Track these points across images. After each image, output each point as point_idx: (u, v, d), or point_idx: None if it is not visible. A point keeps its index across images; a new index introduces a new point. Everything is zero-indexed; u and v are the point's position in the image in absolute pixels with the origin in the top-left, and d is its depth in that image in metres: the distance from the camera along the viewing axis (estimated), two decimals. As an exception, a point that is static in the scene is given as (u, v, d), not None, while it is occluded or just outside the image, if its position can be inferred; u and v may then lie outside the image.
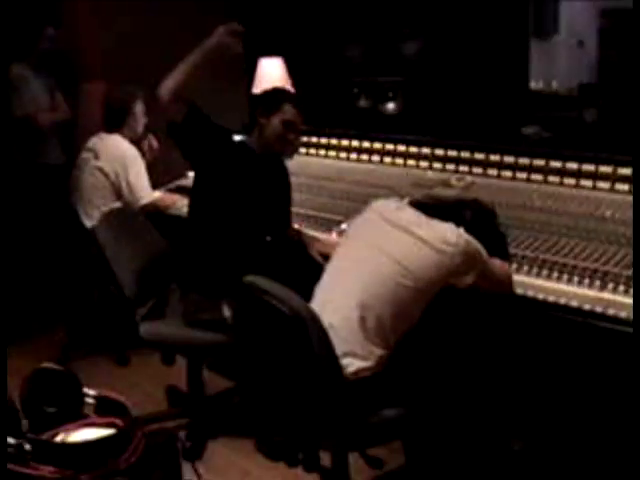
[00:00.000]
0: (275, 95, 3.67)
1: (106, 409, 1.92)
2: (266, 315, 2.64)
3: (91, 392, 1.93)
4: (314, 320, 2.55)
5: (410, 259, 2.70)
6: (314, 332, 2.52)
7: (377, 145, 4.54)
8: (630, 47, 5.25)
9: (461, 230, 2.72)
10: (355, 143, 4.67)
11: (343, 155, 4.74)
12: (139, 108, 4.79)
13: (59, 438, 1.81)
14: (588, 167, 3.63)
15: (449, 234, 2.69)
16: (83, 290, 4.87)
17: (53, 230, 4.86)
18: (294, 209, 4.03)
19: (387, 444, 3.20)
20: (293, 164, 4.71)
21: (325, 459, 3.17)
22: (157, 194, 4.73)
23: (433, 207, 2.89)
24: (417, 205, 2.89)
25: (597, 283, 2.89)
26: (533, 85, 6.12)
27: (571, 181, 3.70)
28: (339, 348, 2.68)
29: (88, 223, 4.61)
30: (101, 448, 1.78)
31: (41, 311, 5.47)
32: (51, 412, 1.87)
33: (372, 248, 2.81)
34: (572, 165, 3.71)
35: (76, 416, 1.88)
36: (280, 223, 3.70)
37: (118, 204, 4.65)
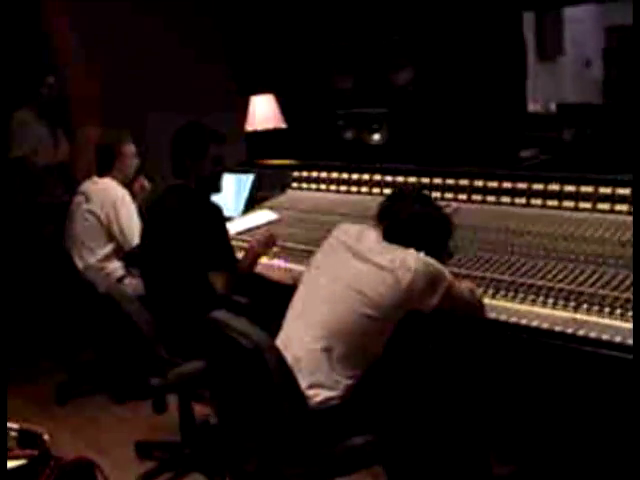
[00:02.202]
0: (200, 139, 3.74)
1: (28, 442, 1.92)
2: (228, 348, 2.62)
3: (14, 426, 1.92)
4: (273, 351, 2.52)
5: (372, 288, 2.68)
6: (273, 363, 2.49)
7: (365, 176, 4.51)
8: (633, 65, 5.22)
9: (421, 254, 2.70)
10: (344, 175, 4.64)
11: (333, 188, 4.73)
12: (129, 150, 4.83)
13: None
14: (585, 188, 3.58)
15: (409, 259, 2.67)
16: (81, 330, 4.88)
17: (52, 271, 4.90)
18: (286, 244, 4.12)
19: (372, 471, 3.14)
20: (284, 199, 4.73)
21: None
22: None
23: (392, 226, 2.86)
24: (384, 227, 2.85)
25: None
26: (531, 108, 6.10)
27: (554, 203, 3.63)
28: (306, 380, 2.67)
29: (80, 265, 4.64)
30: (13, 478, 1.78)
31: (39, 352, 5.49)
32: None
33: (334, 279, 2.80)
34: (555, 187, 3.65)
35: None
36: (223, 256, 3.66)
37: (111, 246, 4.67)
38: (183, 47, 6.03)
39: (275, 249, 4.02)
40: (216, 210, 3.65)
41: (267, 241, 3.86)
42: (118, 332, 3.57)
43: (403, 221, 2.85)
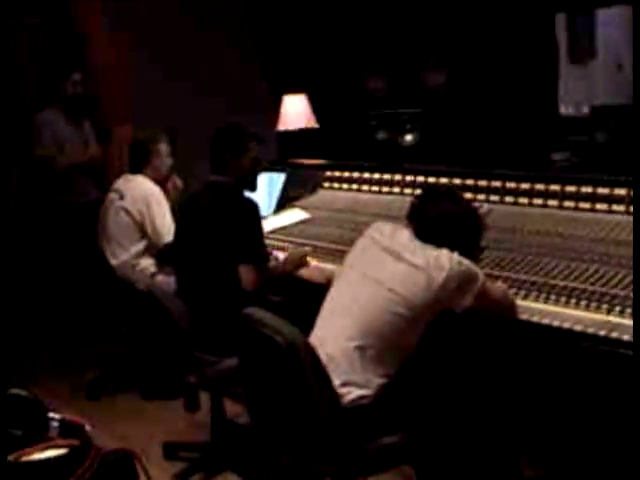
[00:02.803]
0: (240, 136, 3.83)
1: (69, 432, 1.95)
2: (262, 346, 2.64)
3: (56, 416, 1.95)
4: (307, 349, 2.55)
5: (405, 287, 2.69)
6: (307, 361, 2.51)
7: (397, 177, 4.52)
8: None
9: (455, 254, 2.71)
10: (376, 175, 4.65)
11: (364, 188, 4.74)
12: (163, 149, 4.87)
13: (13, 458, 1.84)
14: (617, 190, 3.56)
15: (442, 259, 2.68)
16: (112, 327, 4.93)
17: (84, 269, 4.95)
18: (318, 243, 4.14)
19: (403, 471, 3.15)
20: (316, 198, 4.75)
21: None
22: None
23: (422, 225, 2.87)
24: (413, 230, 2.87)
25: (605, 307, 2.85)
26: (563, 110, 6.07)
27: (586, 205, 3.63)
28: (339, 378, 2.68)
29: (114, 262, 4.69)
30: (54, 467, 1.80)
31: (71, 349, 5.55)
32: (17, 435, 1.90)
33: (367, 277, 2.81)
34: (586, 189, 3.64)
35: (41, 439, 1.91)
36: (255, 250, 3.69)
37: (143, 243, 4.71)
38: (216, 47, 6.07)
39: (307, 248, 4.03)
40: (252, 206, 3.71)
41: (299, 261, 3.89)
42: (156, 329, 3.60)
43: (433, 220, 2.86)
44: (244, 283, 3.59)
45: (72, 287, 5.37)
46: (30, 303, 5.80)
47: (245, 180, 3.83)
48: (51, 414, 1.93)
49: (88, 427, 1.92)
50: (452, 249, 2.74)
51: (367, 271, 2.83)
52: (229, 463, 3.92)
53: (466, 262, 2.72)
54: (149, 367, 4.77)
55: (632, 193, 3.36)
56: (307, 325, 2.90)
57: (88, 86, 5.82)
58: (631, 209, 3.47)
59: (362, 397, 2.68)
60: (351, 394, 2.67)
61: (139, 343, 4.60)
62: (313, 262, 3.88)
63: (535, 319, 2.86)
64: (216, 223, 3.64)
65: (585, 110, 6.12)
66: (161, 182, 4.89)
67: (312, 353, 2.56)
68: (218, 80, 6.02)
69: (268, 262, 3.76)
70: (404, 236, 2.86)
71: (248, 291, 3.58)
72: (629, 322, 2.71)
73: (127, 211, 4.71)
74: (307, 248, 3.99)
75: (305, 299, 3.31)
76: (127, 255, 4.73)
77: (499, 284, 2.95)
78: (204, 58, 6.01)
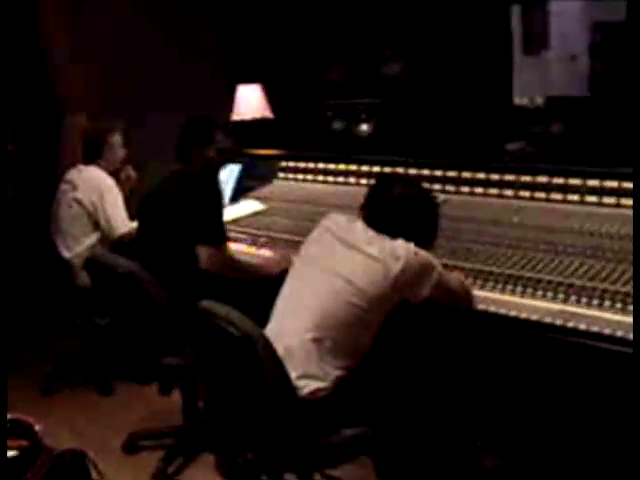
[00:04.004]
0: (205, 126, 3.83)
1: (18, 432, 1.90)
2: (218, 338, 2.60)
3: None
4: (263, 341, 2.51)
5: (362, 278, 2.67)
6: (263, 353, 2.48)
7: (353, 167, 4.49)
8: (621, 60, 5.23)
9: (411, 244, 2.69)
10: (331, 166, 4.63)
11: (320, 178, 4.71)
12: (117, 140, 4.82)
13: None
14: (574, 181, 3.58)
15: (399, 249, 2.66)
16: (66, 321, 4.86)
17: (32, 262, 4.87)
18: (272, 234, 4.12)
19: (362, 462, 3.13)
20: (271, 189, 4.72)
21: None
22: (134, 224, 4.70)
23: (376, 213, 2.85)
24: (368, 219, 2.84)
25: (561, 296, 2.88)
26: (517, 101, 6.09)
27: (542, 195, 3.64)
28: (296, 370, 2.66)
29: (67, 254, 4.63)
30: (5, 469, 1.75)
31: (25, 343, 5.46)
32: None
33: (323, 269, 2.78)
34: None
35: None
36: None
37: (96, 235, 4.65)
38: (172, 38, 5.96)
39: (261, 239, 4.00)
40: (215, 190, 3.69)
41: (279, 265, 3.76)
42: (137, 311, 3.59)
43: (386, 206, 2.85)
44: (201, 263, 3.55)
45: (24, 281, 5.26)
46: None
47: (211, 171, 3.77)
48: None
49: (38, 427, 1.87)
50: (408, 238, 2.72)
51: (322, 262, 2.81)
52: (206, 445, 3.95)
53: (422, 252, 2.71)
54: (125, 352, 4.70)
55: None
56: (264, 317, 2.86)
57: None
58: (586, 199, 3.48)
59: (319, 389, 2.66)
60: (308, 387, 2.65)
61: (114, 328, 4.50)
62: (268, 253, 3.83)
63: (492, 309, 2.86)
64: (178, 208, 3.63)
65: (539, 101, 6.15)
66: (115, 173, 4.81)
67: (268, 345, 2.53)
68: (173, 70, 5.94)
69: (224, 241, 3.70)
70: (359, 227, 2.83)
71: (206, 270, 3.54)
72: (585, 311, 2.72)
73: (80, 202, 4.66)
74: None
75: (259, 291, 3.26)
76: (80, 247, 4.68)
77: (456, 274, 2.94)
78: (159, 48, 5.90)
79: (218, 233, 3.66)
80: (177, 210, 3.64)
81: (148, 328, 3.61)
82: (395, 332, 2.81)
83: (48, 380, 4.94)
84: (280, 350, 2.63)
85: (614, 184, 3.40)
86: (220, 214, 3.69)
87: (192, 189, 3.67)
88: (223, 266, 3.60)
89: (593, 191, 3.47)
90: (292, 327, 2.74)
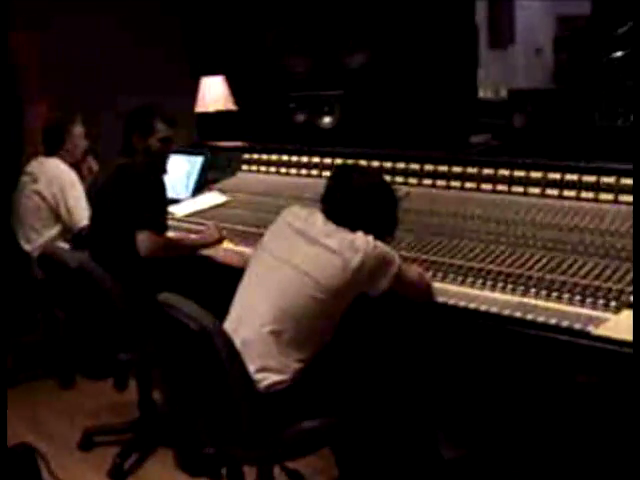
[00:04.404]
0: (145, 116, 3.81)
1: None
2: (175, 332, 2.58)
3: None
4: (221, 334, 2.50)
5: (320, 270, 2.66)
6: (221, 347, 2.47)
7: (315, 159, 4.48)
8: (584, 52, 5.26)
9: (370, 237, 2.68)
10: (294, 158, 4.62)
11: (283, 170, 4.70)
12: (78, 131, 4.77)
13: None
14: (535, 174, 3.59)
15: (358, 242, 2.65)
16: (27, 314, 4.81)
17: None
18: (235, 226, 4.10)
19: (322, 454, 3.13)
20: (234, 181, 4.69)
21: (250, 474, 3.12)
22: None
23: (334, 205, 2.84)
24: (327, 212, 2.82)
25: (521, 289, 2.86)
26: (482, 94, 6.11)
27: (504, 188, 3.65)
28: (254, 363, 2.65)
29: (28, 247, 4.58)
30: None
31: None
32: None
33: (282, 261, 2.77)
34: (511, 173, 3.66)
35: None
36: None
37: (58, 228, 4.61)
38: (136, 31, 5.90)
39: (224, 232, 3.98)
40: (157, 181, 3.70)
41: (216, 237, 3.90)
42: (90, 306, 3.55)
43: (345, 196, 2.84)
44: (141, 249, 3.54)
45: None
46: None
47: (154, 162, 3.74)
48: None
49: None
50: (367, 230, 2.71)
51: (281, 255, 2.79)
52: (162, 439, 3.91)
53: (381, 245, 2.70)
54: (80, 347, 4.66)
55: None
56: (223, 309, 2.84)
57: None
58: (547, 192, 3.50)
59: (278, 382, 2.64)
60: (267, 380, 2.63)
61: (68, 323, 4.47)
62: (230, 245, 3.81)
63: (452, 302, 2.85)
64: (123, 199, 3.63)
65: (504, 94, 6.16)
66: (76, 165, 4.77)
67: (226, 339, 2.52)
68: (137, 63, 5.89)
69: (164, 229, 3.72)
70: (319, 219, 2.82)
71: (143, 257, 3.53)
72: (544, 304, 2.73)
73: (41, 195, 4.62)
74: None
75: (220, 283, 3.25)
76: (41, 240, 4.64)
77: (415, 267, 2.94)
78: (120, 40, 5.84)
79: (158, 221, 3.67)
80: (122, 201, 3.64)
81: (102, 323, 3.58)
82: (354, 324, 2.80)
83: (9, 372, 4.87)
84: (238, 343, 2.62)
85: (574, 177, 3.41)
86: (161, 203, 3.71)
87: (135, 180, 3.67)
88: (160, 248, 3.60)
89: (554, 184, 3.47)
90: (251, 320, 2.72)
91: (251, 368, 2.63)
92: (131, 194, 3.62)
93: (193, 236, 3.94)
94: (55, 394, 4.70)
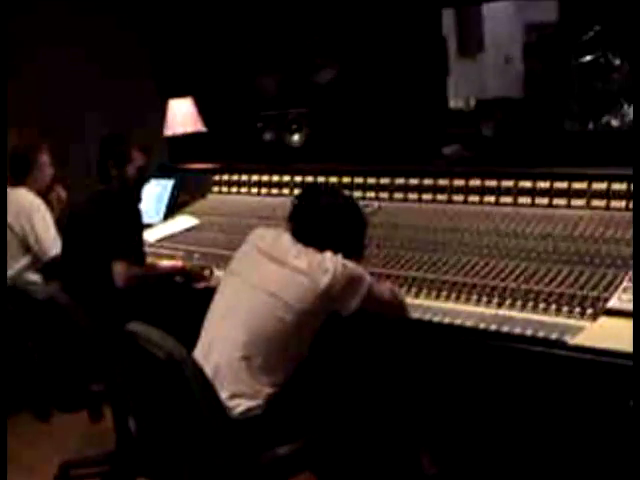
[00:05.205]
0: (123, 145, 3.78)
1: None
2: (144, 361, 2.52)
3: None
4: (190, 363, 2.44)
5: (288, 292, 2.60)
6: (190, 375, 2.41)
7: (286, 178, 4.45)
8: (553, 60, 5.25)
9: (339, 257, 2.63)
10: (264, 177, 4.57)
11: (254, 190, 4.66)
12: (44, 158, 4.70)
13: None
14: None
15: (326, 262, 2.60)
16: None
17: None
18: (206, 249, 4.05)
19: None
20: (205, 203, 4.64)
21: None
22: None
23: (302, 225, 2.79)
24: (295, 231, 2.77)
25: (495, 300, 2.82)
26: (452, 104, 6.09)
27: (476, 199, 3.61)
28: (227, 389, 2.59)
29: (-4, 279, 4.49)
30: None
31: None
32: None
33: (250, 284, 2.71)
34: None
35: None
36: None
37: (27, 258, 4.53)
38: (98, 53, 5.84)
39: (196, 255, 3.93)
40: (133, 208, 3.67)
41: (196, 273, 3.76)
42: (59, 338, 3.46)
43: (312, 217, 2.79)
44: (116, 280, 3.49)
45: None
46: None
47: (130, 190, 3.71)
48: None
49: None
50: (335, 250, 2.65)
51: (250, 277, 2.74)
52: (139, 470, 3.77)
53: (350, 264, 2.65)
54: (51, 379, 4.56)
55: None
56: (192, 337, 2.79)
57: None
58: (519, 200, 3.46)
59: (252, 408, 2.59)
60: (240, 406, 2.58)
61: (39, 355, 4.38)
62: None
63: (427, 317, 2.81)
64: (96, 228, 3.57)
65: (474, 104, 6.15)
66: (44, 193, 4.69)
67: (195, 367, 2.46)
68: (102, 87, 5.83)
69: (142, 261, 3.68)
70: (286, 240, 2.77)
71: (119, 287, 3.48)
72: (519, 315, 2.69)
73: (8, 226, 4.51)
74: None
75: (192, 307, 3.19)
76: (11, 271, 4.54)
77: (387, 284, 2.89)
78: (87, 64, 5.78)
79: (135, 251, 3.63)
80: (97, 230, 3.58)
81: (73, 355, 3.51)
82: (326, 344, 2.75)
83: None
84: (209, 370, 2.56)
85: (546, 185, 3.38)
86: (138, 233, 3.67)
87: (111, 208, 3.62)
88: (136, 279, 3.55)
89: (526, 192, 3.44)
90: (221, 346, 2.67)
91: (223, 395, 2.57)
92: (107, 223, 3.56)
93: (166, 263, 3.86)
94: (30, 426, 4.59)
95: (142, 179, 3.85)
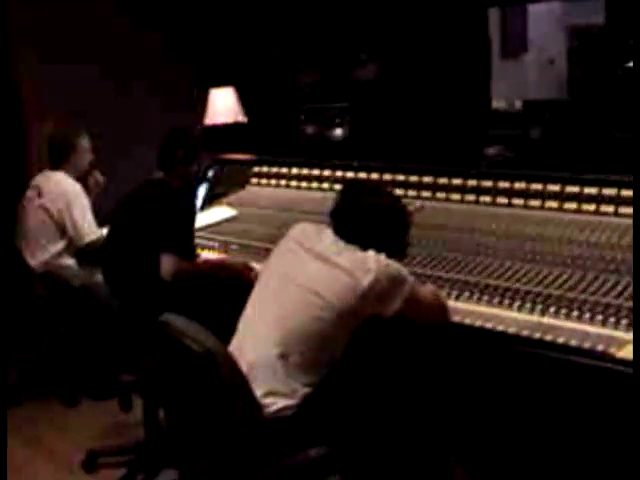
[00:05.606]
0: (196, 142, 3.84)
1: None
2: (179, 354, 2.47)
3: None
4: (226, 358, 2.39)
5: (329, 290, 2.55)
6: (225, 370, 2.36)
7: (326, 172, 4.38)
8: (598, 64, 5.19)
9: (382, 256, 2.56)
10: (304, 171, 4.51)
11: (293, 184, 4.60)
12: (83, 144, 4.69)
13: None
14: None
15: (369, 261, 2.54)
16: (31, 331, 4.71)
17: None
18: (244, 241, 4.00)
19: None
20: (243, 195, 4.60)
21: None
22: (104, 231, 4.57)
23: (344, 223, 2.73)
24: (336, 228, 2.71)
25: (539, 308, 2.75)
26: (495, 104, 6.01)
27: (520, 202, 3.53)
28: (261, 387, 2.54)
29: (33, 262, 4.49)
30: None
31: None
32: None
33: (290, 280, 2.66)
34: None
35: None
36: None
37: (63, 242, 4.53)
38: (142, 42, 5.82)
39: (232, 246, 3.89)
40: (192, 207, 3.75)
41: (235, 268, 3.69)
42: (92, 327, 3.46)
43: (356, 216, 2.73)
44: (162, 271, 3.47)
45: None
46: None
47: (192, 187, 3.72)
48: None
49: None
50: (378, 250, 2.59)
51: (290, 274, 2.68)
52: (167, 461, 3.80)
53: (394, 265, 2.59)
54: (82, 367, 4.56)
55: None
56: (229, 332, 2.74)
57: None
58: (565, 206, 3.38)
59: (287, 407, 2.54)
60: (275, 404, 2.53)
61: (71, 342, 4.38)
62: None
63: (467, 321, 2.74)
64: (151, 217, 3.56)
65: (517, 105, 6.07)
66: (82, 179, 4.68)
67: (231, 362, 2.42)
68: (143, 75, 5.80)
69: (192, 257, 3.65)
70: (329, 237, 2.71)
71: (166, 280, 3.46)
72: (563, 323, 2.62)
73: (46, 209, 4.53)
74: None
75: (229, 299, 3.14)
76: (47, 255, 4.55)
77: (429, 286, 2.82)
78: (129, 53, 5.76)
79: (186, 247, 3.62)
80: (151, 220, 3.57)
81: (104, 344, 3.48)
82: (365, 346, 2.69)
83: (12, 389, 4.77)
84: (245, 366, 2.52)
85: (593, 191, 3.30)
86: (189, 228, 3.67)
87: (170, 202, 3.61)
88: (183, 274, 3.53)
89: (572, 197, 3.35)
90: (258, 342, 2.62)
91: (258, 392, 2.52)
92: (164, 215, 3.56)
93: (213, 258, 3.87)
94: (59, 413, 4.60)
95: (201, 178, 3.81)
